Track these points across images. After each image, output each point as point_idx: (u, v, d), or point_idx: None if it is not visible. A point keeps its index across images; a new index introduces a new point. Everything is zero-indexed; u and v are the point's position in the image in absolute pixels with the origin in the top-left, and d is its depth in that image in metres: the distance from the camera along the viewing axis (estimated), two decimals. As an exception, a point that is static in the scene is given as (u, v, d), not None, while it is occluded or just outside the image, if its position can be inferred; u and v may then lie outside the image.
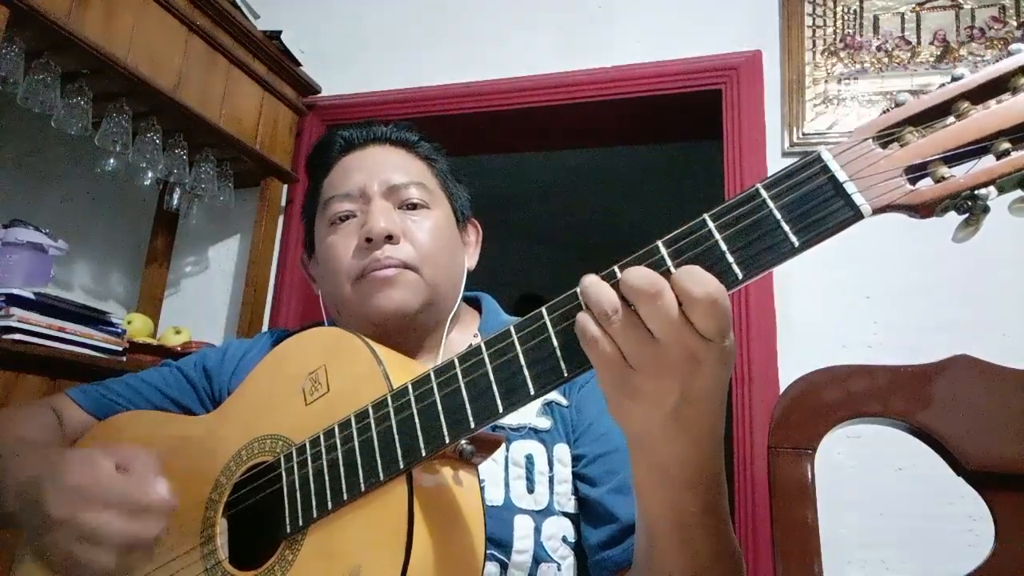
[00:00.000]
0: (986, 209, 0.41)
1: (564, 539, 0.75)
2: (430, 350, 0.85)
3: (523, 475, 0.76)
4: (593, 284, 0.46)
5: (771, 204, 0.44)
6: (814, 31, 1.80)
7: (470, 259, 0.92)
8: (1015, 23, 1.66)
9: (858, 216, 0.42)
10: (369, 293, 0.78)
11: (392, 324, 0.79)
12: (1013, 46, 0.42)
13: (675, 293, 0.43)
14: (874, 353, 1.56)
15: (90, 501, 0.57)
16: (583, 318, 0.46)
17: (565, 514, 0.76)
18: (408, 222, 0.82)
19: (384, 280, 0.78)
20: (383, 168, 0.84)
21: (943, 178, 0.41)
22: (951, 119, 0.42)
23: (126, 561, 0.57)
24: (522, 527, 0.73)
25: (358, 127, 0.89)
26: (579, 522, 0.77)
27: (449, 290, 0.85)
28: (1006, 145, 0.40)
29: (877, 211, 0.42)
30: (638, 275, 0.43)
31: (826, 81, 1.76)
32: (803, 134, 1.73)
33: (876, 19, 1.77)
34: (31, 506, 0.60)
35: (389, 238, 0.79)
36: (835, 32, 1.79)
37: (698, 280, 0.42)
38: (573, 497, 0.77)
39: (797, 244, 0.43)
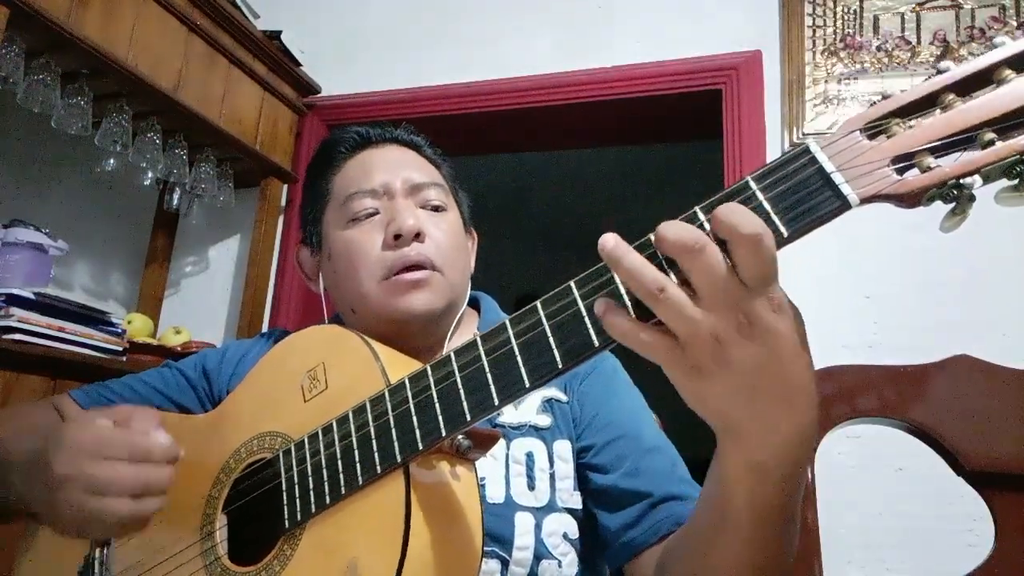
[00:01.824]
0: (972, 198, 0.42)
1: (565, 536, 0.75)
2: (434, 351, 0.85)
3: (524, 472, 0.76)
4: (635, 261, 0.43)
5: (760, 195, 0.44)
6: (814, 31, 1.80)
7: (470, 265, 0.92)
8: (1015, 23, 1.66)
9: (846, 206, 0.43)
10: (398, 293, 0.78)
11: (415, 324, 0.79)
12: (997, 39, 0.43)
13: (718, 233, 0.42)
14: (874, 353, 1.56)
15: (94, 454, 0.58)
16: (617, 322, 0.44)
17: (567, 510, 0.76)
18: (430, 222, 0.82)
19: (416, 283, 0.78)
20: (405, 166, 0.85)
21: (929, 168, 0.42)
22: (937, 111, 0.43)
23: (138, 509, 0.58)
24: (523, 524, 0.73)
25: (372, 125, 0.90)
26: (580, 518, 0.77)
27: (462, 292, 0.86)
28: (991, 135, 0.41)
29: (865, 201, 0.43)
30: (680, 229, 0.42)
31: (826, 81, 1.76)
32: (803, 134, 1.73)
33: (876, 19, 1.77)
34: (34, 475, 0.61)
35: (417, 236, 0.79)
36: (835, 32, 1.79)
37: (744, 215, 0.41)
38: (575, 493, 0.77)
39: (786, 234, 0.43)
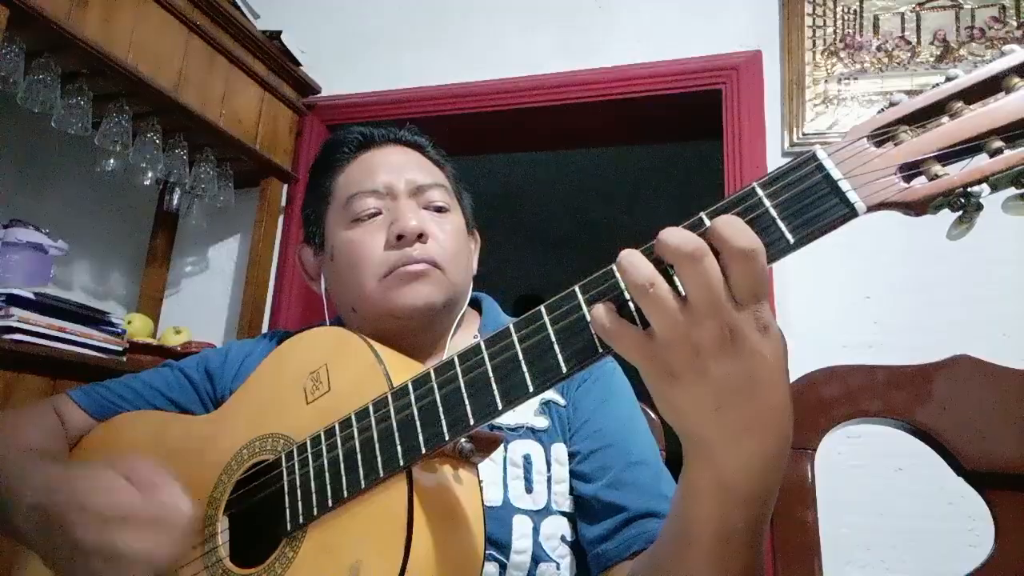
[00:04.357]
0: (979, 207, 0.41)
1: (562, 538, 0.75)
2: (436, 351, 0.85)
3: (521, 475, 0.76)
4: (634, 258, 0.44)
5: (767, 202, 0.44)
6: (814, 31, 1.80)
7: (472, 266, 0.92)
8: (1015, 23, 1.66)
9: (853, 213, 0.43)
10: (398, 287, 0.78)
11: (416, 320, 0.79)
12: (1006, 47, 0.42)
13: (713, 244, 0.42)
14: (874, 353, 1.57)
15: (121, 524, 0.57)
16: (599, 312, 0.45)
17: (563, 513, 0.76)
18: (433, 223, 0.82)
19: (415, 275, 0.78)
20: (408, 168, 0.85)
21: (936, 176, 0.42)
22: (945, 118, 0.43)
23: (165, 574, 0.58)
24: (520, 527, 0.73)
25: (376, 125, 0.89)
26: (575, 521, 0.77)
27: (463, 292, 0.86)
28: (999, 143, 0.41)
29: (872, 208, 0.43)
30: (681, 236, 0.43)
31: (826, 81, 1.76)
32: (803, 134, 1.74)
33: (876, 19, 1.77)
34: (51, 531, 0.60)
35: (420, 236, 0.79)
36: (835, 32, 1.79)
37: (740, 230, 0.42)
38: (570, 496, 0.77)
39: (793, 241, 0.43)
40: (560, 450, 0.78)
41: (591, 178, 3.63)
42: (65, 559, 0.59)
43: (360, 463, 0.57)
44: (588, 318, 0.47)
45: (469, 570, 0.57)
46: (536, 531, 0.73)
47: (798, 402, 0.87)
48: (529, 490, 0.75)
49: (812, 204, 0.43)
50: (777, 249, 0.44)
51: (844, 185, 0.43)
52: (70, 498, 0.60)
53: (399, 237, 0.78)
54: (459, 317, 0.86)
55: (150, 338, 1.89)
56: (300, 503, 0.60)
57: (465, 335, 0.88)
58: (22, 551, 0.76)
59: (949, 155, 0.42)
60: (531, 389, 0.49)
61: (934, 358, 0.82)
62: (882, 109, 0.45)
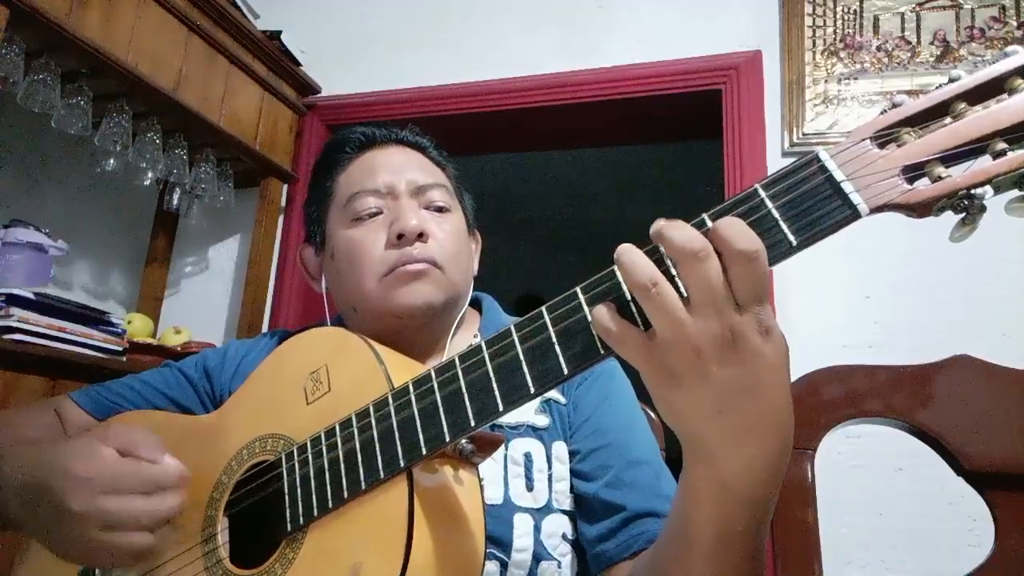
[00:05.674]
0: (983, 208, 0.41)
1: (563, 536, 0.75)
2: (435, 351, 0.85)
3: (522, 473, 0.76)
4: (636, 257, 0.44)
5: (769, 204, 0.44)
6: (814, 31, 1.80)
7: (473, 266, 0.92)
8: (1015, 23, 1.66)
9: (855, 215, 0.42)
10: (397, 287, 0.78)
11: (415, 319, 0.80)
12: (1009, 48, 0.42)
13: (715, 245, 0.42)
14: (874, 353, 1.57)
15: (108, 489, 0.58)
16: (601, 313, 0.45)
17: (564, 511, 0.76)
18: (433, 223, 0.82)
19: (415, 274, 0.78)
20: (409, 168, 0.86)
21: (940, 178, 0.42)
22: (948, 120, 0.43)
23: (153, 541, 0.60)
24: (521, 526, 0.73)
25: (377, 126, 0.90)
26: (576, 519, 0.77)
27: (464, 292, 0.86)
28: (1002, 145, 0.41)
29: (874, 210, 0.43)
30: (687, 234, 0.42)
31: (826, 81, 1.76)
32: (803, 134, 1.74)
33: (876, 19, 1.77)
34: (38, 504, 0.61)
35: (420, 236, 0.79)
36: (835, 32, 1.79)
37: (742, 231, 0.42)
38: (571, 494, 0.77)
39: (795, 243, 0.43)
40: (561, 448, 0.78)
41: (591, 178, 3.63)
42: (57, 531, 0.60)
43: (360, 464, 0.57)
44: (590, 319, 0.47)
45: (470, 571, 0.57)
46: (537, 529, 0.73)
47: (798, 402, 0.87)
48: (530, 488, 0.75)
49: (815, 206, 0.43)
50: (780, 251, 0.43)
51: (847, 187, 0.43)
52: (53, 467, 0.61)
53: (399, 236, 0.79)
54: (459, 317, 0.86)
55: (150, 338, 1.89)
56: (300, 504, 0.60)
57: (465, 335, 0.88)
58: (20, 550, 0.76)
59: (952, 157, 0.42)
60: (532, 390, 0.49)
61: (934, 358, 0.82)
62: (884, 110, 0.45)
